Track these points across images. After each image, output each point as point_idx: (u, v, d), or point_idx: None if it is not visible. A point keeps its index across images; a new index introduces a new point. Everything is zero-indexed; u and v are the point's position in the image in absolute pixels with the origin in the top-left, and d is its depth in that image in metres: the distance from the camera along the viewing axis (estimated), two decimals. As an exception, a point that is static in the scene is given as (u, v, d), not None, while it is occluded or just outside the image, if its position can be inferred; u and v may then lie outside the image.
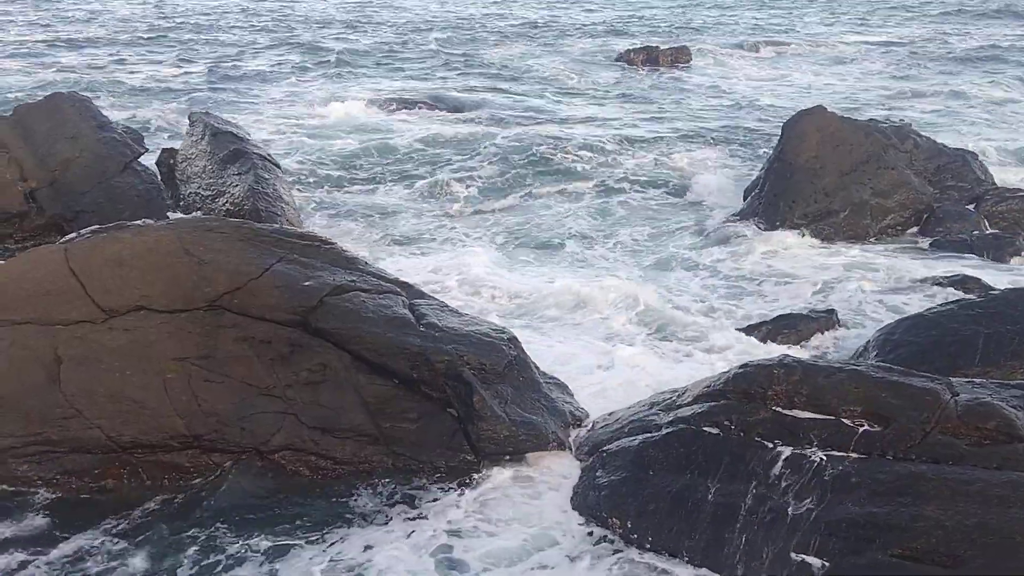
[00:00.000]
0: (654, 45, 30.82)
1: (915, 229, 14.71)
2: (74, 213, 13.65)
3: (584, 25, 37.92)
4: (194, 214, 14.03)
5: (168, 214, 13.87)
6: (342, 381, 8.26)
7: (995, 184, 16.02)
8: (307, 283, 8.63)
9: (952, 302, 10.79)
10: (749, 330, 11.21)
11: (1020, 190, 15.79)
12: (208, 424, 7.99)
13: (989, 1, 40.31)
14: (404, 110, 22.43)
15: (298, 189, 16.27)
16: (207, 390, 8.09)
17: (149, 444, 7.95)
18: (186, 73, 26.60)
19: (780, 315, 11.54)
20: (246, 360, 8.25)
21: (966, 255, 13.77)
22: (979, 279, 12.52)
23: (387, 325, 8.51)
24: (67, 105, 14.79)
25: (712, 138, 20.67)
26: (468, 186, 17.04)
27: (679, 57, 29.78)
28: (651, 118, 22.74)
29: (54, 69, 25.93)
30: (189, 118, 16.51)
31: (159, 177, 14.95)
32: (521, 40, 33.98)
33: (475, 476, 8.02)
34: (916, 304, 11.67)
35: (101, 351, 8.11)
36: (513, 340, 9.01)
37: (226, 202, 13.86)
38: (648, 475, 7.61)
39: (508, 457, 8.21)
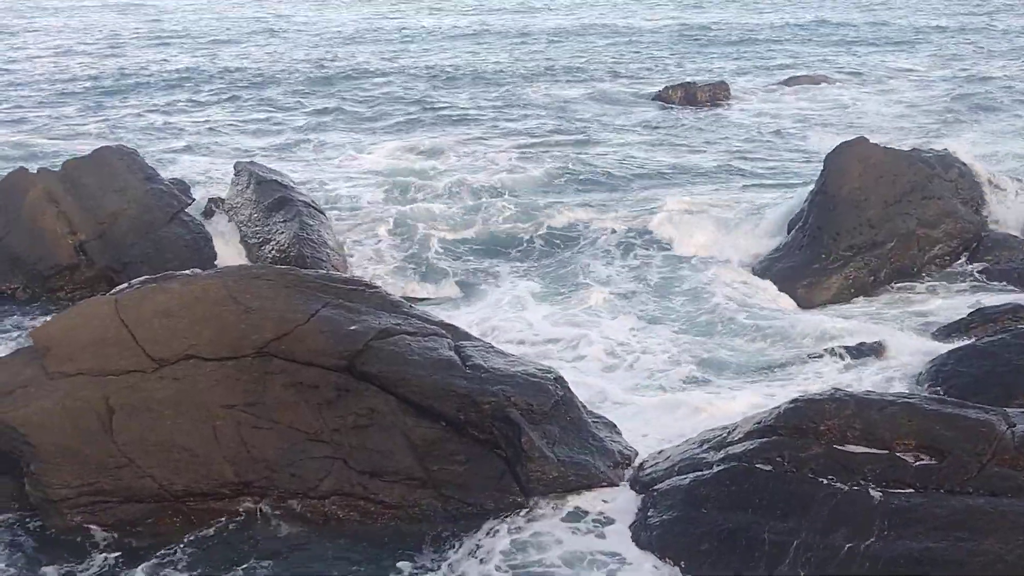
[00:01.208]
0: (691, 82, 30.79)
1: (964, 258, 14.49)
2: (123, 264, 13.86)
3: (618, 64, 38.05)
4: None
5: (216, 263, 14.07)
6: (389, 425, 8.28)
7: (1044, 210, 15.79)
8: (353, 327, 8.68)
9: (1005, 331, 10.65)
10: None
11: (1071, 215, 15.57)
12: (257, 471, 8.04)
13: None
14: (443, 155, 22.54)
15: (345, 234, 16.38)
16: (256, 436, 8.15)
17: (200, 492, 8.01)
18: (228, 122, 27.00)
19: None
20: (294, 406, 8.30)
21: (1017, 284, 13.57)
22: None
23: (433, 367, 8.53)
24: (115, 158, 15.08)
25: (755, 172, 20.59)
26: (512, 230, 17.03)
27: (718, 93, 29.68)
28: (692, 154, 22.70)
29: (86, 122, 26.34)
30: (234, 167, 16.76)
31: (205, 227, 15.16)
32: (555, 82, 34.14)
33: (525, 517, 7.97)
34: (965, 335, 11.48)
35: (152, 400, 8.21)
36: (559, 380, 9.00)
37: (272, 249, 14.02)
38: (700, 513, 7.53)
39: (558, 497, 8.17)
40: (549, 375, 8.98)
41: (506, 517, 7.93)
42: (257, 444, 8.13)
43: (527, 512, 8.00)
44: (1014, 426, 7.29)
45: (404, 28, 48.54)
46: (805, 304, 13.47)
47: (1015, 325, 11.09)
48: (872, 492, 7.08)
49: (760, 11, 53.54)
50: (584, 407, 9.13)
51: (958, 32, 44.60)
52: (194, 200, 15.85)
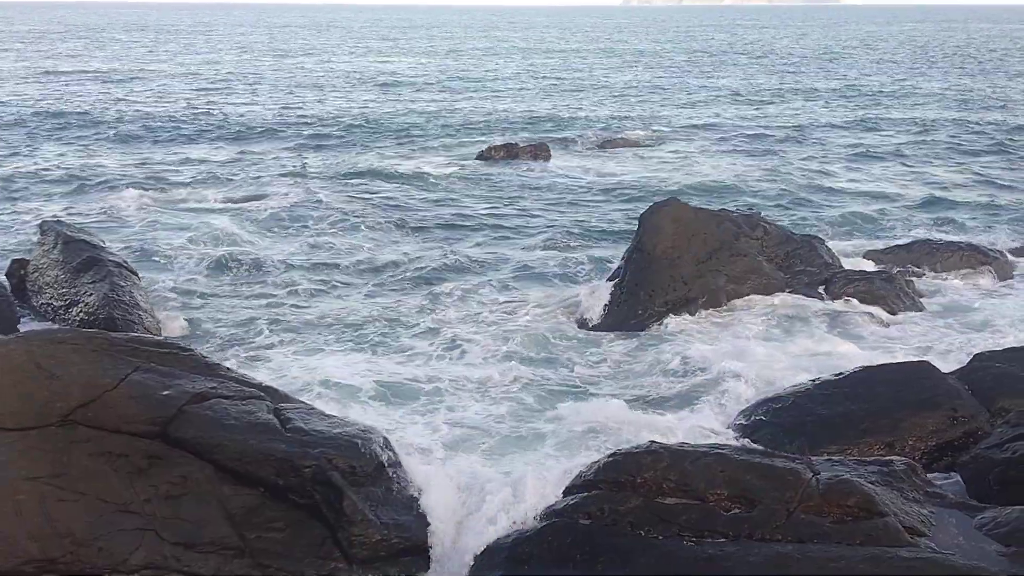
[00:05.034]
0: (514, 142, 31.47)
1: (769, 313, 15.16)
2: (-85, 330, 13.00)
3: (448, 123, 38.62)
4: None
5: (19, 327, 13.37)
6: (204, 492, 7.98)
7: (842, 267, 16.73)
8: (165, 392, 8.38)
9: (808, 382, 11.16)
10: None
11: (867, 272, 16.53)
12: (63, 546, 7.59)
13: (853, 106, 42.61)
14: (275, 210, 22.35)
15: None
16: (61, 510, 7.70)
17: (0, 572, 7.50)
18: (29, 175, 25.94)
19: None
20: (102, 476, 7.90)
21: (819, 335, 14.28)
22: (832, 357, 13.02)
23: (250, 432, 8.29)
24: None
25: (572, 231, 21.09)
26: (326, 291, 16.89)
27: (538, 152, 30.45)
28: (510, 211, 23.12)
29: None
30: (40, 227, 16.06)
31: (9, 289, 14.42)
32: (387, 140, 34.37)
33: (347, 584, 7.80)
34: (773, 385, 11.99)
35: (-54, 475, 7.68)
36: (384, 440, 8.90)
37: (80, 312, 13.45)
38: (524, 571, 7.53)
39: (381, 561, 8.03)
40: (373, 435, 8.87)
41: (326, 585, 7.76)
42: (62, 518, 7.69)
43: (349, 578, 7.85)
44: (818, 474, 7.62)
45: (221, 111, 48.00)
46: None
47: (817, 376, 11.63)
48: (687, 543, 7.26)
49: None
50: (409, 466, 9.05)
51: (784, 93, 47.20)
52: (-6, 261, 15.10)
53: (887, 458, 8.57)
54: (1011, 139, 34.78)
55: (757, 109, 44.07)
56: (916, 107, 45.25)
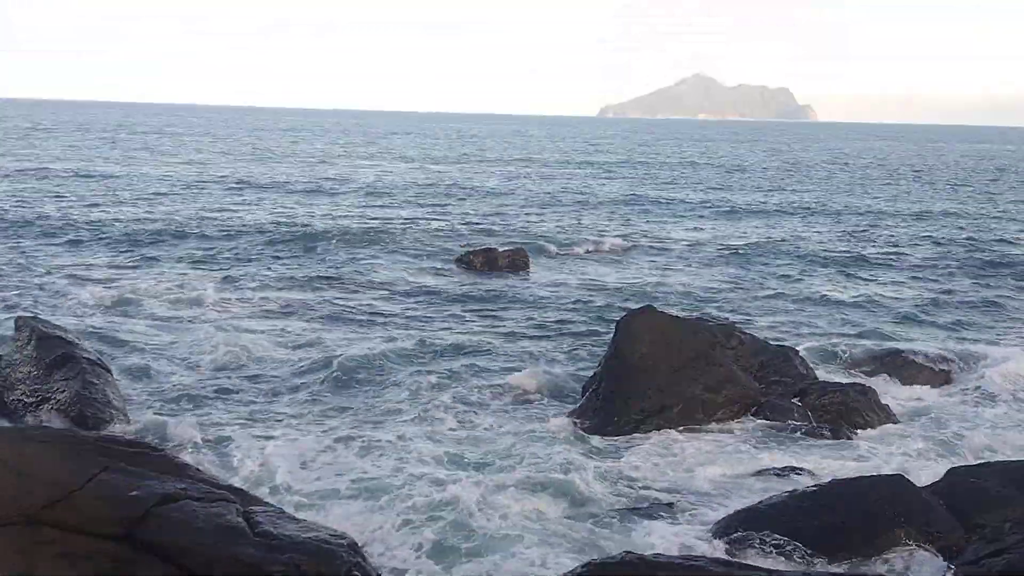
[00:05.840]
0: (492, 247, 31.62)
1: (744, 423, 15.18)
2: None
3: (427, 228, 38.91)
4: None
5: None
6: (169, 598, 7.83)
7: (816, 378, 16.81)
8: (134, 493, 8.27)
9: (784, 494, 11.12)
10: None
11: (841, 384, 16.60)
12: (19, 651, 7.39)
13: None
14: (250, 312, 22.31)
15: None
16: (20, 613, 7.52)
17: (-50, 677, 7.28)
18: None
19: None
20: (65, 579, 7.74)
21: (793, 447, 14.28)
22: (807, 470, 13.00)
23: (219, 535, 8.17)
24: None
25: (549, 336, 21.13)
26: (299, 389, 16.77)
27: (516, 258, 30.53)
28: (487, 315, 23.16)
29: None
30: (15, 323, 15.98)
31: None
32: (364, 242, 34.54)
33: None
34: (749, 496, 11.93)
35: (-98, 574, 7.50)
36: (353, 546, 8.80)
37: (51, 408, 13.30)
38: None
39: (347, 672, 7.85)
40: (342, 541, 8.75)
41: None
42: (21, 622, 7.50)
43: None
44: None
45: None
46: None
47: (793, 488, 11.61)
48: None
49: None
50: (378, 572, 8.91)
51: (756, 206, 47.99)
52: (-33, 357, 14.94)
53: (862, 573, 8.52)
54: (981, 254, 35.39)
55: (733, 221, 44.74)
56: (888, 221, 46.05)
